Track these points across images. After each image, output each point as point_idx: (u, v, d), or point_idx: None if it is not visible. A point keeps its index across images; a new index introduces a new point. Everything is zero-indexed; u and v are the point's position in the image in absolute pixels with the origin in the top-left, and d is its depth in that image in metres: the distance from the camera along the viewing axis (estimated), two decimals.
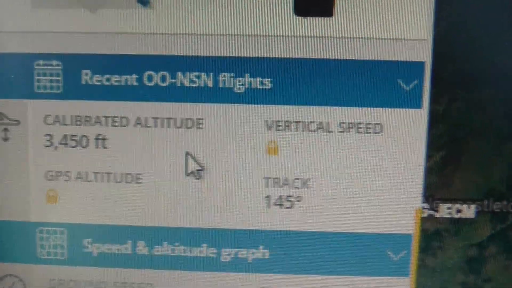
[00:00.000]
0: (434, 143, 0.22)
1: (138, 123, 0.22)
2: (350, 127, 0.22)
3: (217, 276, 0.23)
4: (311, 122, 0.22)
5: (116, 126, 0.22)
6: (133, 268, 0.23)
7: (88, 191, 0.23)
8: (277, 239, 0.23)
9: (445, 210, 0.23)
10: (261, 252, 0.23)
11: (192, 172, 0.23)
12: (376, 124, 0.22)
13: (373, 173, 0.22)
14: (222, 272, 0.23)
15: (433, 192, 0.23)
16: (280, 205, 0.23)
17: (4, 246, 0.23)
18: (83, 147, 0.23)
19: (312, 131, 0.22)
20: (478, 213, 0.23)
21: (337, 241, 0.23)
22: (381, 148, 0.22)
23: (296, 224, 0.23)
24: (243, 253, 0.23)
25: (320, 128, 0.22)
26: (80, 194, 0.23)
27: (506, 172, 0.23)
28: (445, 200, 0.23)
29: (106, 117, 0.22)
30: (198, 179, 0.23)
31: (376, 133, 0.22)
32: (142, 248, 0.23)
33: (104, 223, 0.23)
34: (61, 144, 0.23)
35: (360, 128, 0.22)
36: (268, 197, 0.23)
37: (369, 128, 0.22)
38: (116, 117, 0.22)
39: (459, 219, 0.23)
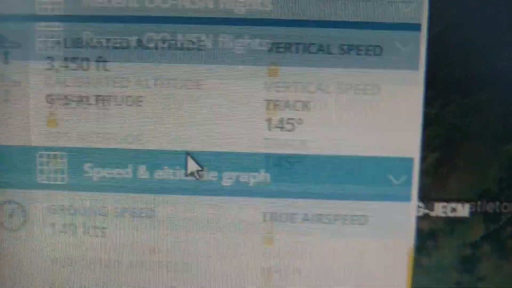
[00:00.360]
0: (428, 145, 0.23)
1: (139, 45, 0.23)
2: (351, 49, 0.22)
3: (218, 201, 0.23)
4: (311, 44, 0.22)
5: (117, 48, 0.23)
6: (134, 193, 0.23)
7: (89, 114, 0.23)
8: (278, 163, 0.23)
9: (440, 209, 0.23)
10: (262, 176, 0.23)
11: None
12: None
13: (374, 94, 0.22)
14: (223, 197, 0.23)
15: (428, 193, 0.23)
16: (281, 127, 0.23)
17: (3, 172, 0.23)
18: (84, 70, 0.23)
19: (312, 53, 0.22)
20: (472, 213, 0.23)
21: (338, 164, 0.23)
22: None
23: (298, 147, 0.23)
24: (244, 177, 0.23)
25: (321, 50, 0.22)
26: (81, 118, 0.23)
27: (500, 173, 0.23)
28: (439, 200, 0.23)
29: (108, 39, 0.23)
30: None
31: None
32: (143, 172, 0.23)
33: (104, 147, 0.23)
34: (62, 67, 0.23)
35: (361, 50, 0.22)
36: (269, 120, 0.23)
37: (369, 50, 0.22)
38: (117, 39, 0.22)
39: (454, 218, 0.23)
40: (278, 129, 0.23)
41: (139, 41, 0.22)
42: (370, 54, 0.22)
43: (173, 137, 0.23)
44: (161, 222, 0.23)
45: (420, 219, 0.23)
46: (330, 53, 0.22)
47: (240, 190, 0.23)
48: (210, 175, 0.23)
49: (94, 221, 0.23)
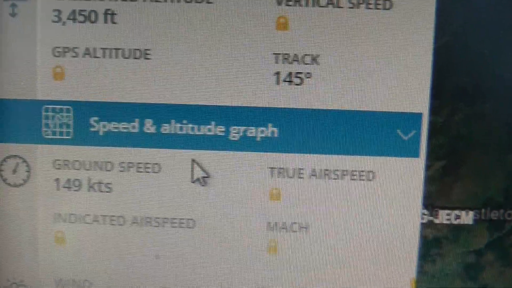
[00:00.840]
0: (434, 154, 0.23)
1: None
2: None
3: (225, 156, 0.23)
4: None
5: (125, 0, 0.22)
6: (140, 147, 0.23)
7: (96, 67, 0.23)
8: (286, 117, 0.23)
9: (444, 217, 0.23)
10: (270, 130, 0.23)
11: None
12: None
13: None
14: (230, 151, 0.23)
15: (433, 201, 0.23)
16: (290, 81, 0.23)
17: (7, 126, 0.23)
18: (92, 22, 0.23)
19: (322, 6, 0.22)
20: (476, 220, 0.23)
21: (346, 119, 0.23)
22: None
23: (306, 102, 0.23)
24: (251, 131, 0.23)
25: (331, 4, 0.22)
26: (87, 71, 0.23)
27: (503, 182, 0.23)
28: (444, 208, 0.23)
29: None
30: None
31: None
32: (149, 126, 0.23)
33: (111, 100, 0.23)
34: (69, 19, 0.23)
35: None
36: (277, 73, 0.23)
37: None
38: None
39: (458, 226, 0.23)
40: (287, 83, 0.23)
41: None
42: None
43: (180, 92, 0.23)
44: (167, 177, 0.23)
45: (425, 226, 0.23)
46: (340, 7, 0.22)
47: (247, 145, 0.23)
48: (217, 129, 0.23)
49: (99, 176, 0.23)
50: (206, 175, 0.23)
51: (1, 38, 0.23)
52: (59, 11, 0.22)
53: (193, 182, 0.23)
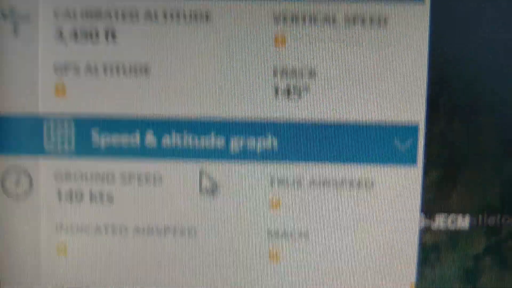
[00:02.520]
0: (431, 162, 0.23)
1: (148, 17, 0.23)
2: (355, 21, 0.23)
3: (227, 166, 0.23)
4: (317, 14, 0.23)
5: (125, 19, 0.23)
6: (141, 159, 0.23)
7: (97, 82, 0.23)
8: (285, 129, 0.23)
9: (441, 222, 0.24)
10: (270, 141, 0.23)
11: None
12: None
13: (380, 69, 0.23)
14: (232, 162, 0.23)
15: (431, 208, 0.23)
16: (288, 94, 0.23)
17: (10, 138, 0.23)
18: (92, 39, 0.23)
19: (318, 23, 0.23)
20: (472, 225, 0.24)
21: (344, 130, 0.23)
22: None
23: (304, 114, 0.23)
24: (251, 142, 0.23)
25: (326, 20, 0.23)
26: (89, 86, 0.23)
27: (500, 188, 0.24)
28: (442, 214, 0.24)
29: (116, 9, 0.23)
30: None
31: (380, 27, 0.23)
32: (150, 138, 0.23)
33: (112, 114, 0.23)
34: (70, 37, 0.23)
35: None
36: (276, 87, 0.23)
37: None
38: (125, 8, 0.23)
39: (456, 231, 0.24)
40: (285, 96, 0.23)
41: (148, 13, 0.23)
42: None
43: (181, 104, 0.23)
44: (168, 188, 0.23)
45: (423, 231, 0.24)
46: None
47: (248, 155, 0.23)
48: (218, 141, 0.23)
49: (101, 188, 0.23)
50: (213, 185, 0.23)
51: (4, 56, 0.23)
52: (60, 29, 0.23)
53: (201, 192, 0.23)
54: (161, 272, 0.24)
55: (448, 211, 0.23)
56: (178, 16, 0.23)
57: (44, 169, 0.23)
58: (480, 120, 0.23)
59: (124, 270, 0.24)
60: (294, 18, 0.23)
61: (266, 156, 0.23)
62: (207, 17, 0.23)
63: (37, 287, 0.24)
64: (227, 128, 0.23)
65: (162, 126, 0.23)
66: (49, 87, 0.23)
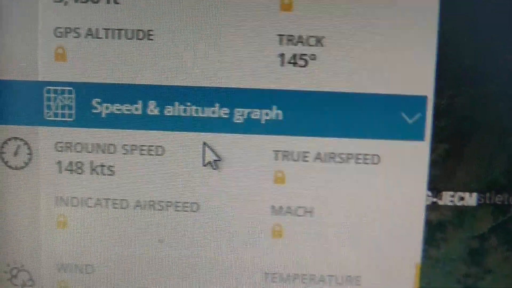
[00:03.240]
0: (439, 137, 0.23)
1: None
2: None
3: (230, 138, 0.23)
4: None
5: None
6: (143, 130, 0.23)
7: (98, 48, 0.22)
8: (290, 99, 0.22)
9: (448, 199, 0.23)
10: (275, 113, 0.23)
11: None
12: None
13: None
14: (235, 134, 0.23)
15: (438, 184, 0.23)
16: (294, 63, 0.22)
17: (8, 107, 0.23)
18: (94, 3, 0.22)
19: None
20: (479, 203, 0.23)
21: (351, 101, 0.22)
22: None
23: (310, 84, 0.22)
24: (256, 113, 0.23)
25: None
26: (90, 52, 0.22)
27: (508, 165, 0.23)
28: (449, 190, 0.23)
29: None
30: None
31: None
32: (152, 108, 0.23)
33: (114, 82, 0.23)
34: None
35: None
36: (282, 55, 0.22)
37: None
38: None
39: (463, 208, 0.23)
40: (291, 65, 0.22)
41: None
42: None
43: (184, 73, 0.22)
44: (170, 161, 0.23)
45: (430, 208, 0.23)
46: None
47: (252, 127, 0.23)
48: (221, 111, 0.23)
49: (102, 159, 0.23)
50: (217, 159, 0.23)
51: (2, 19, 0.22)
52: None
53: (204, 166, 0.23)
54: (163, 247, 0.23)
55: (455, 188, 0.23)
56: None
57: (44, 139, 0.23)
58: (491, 94, 0.23)
59: (124, 244, 0.23)
60: None
61: (271, 128, 0.23)
62: None
63: (36, 261, 0.23)
64: (231, 98, 0.23)
65: (165, 95, 0.22)
66: (49, 52, 0.22)
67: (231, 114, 0.23)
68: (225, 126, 0.23)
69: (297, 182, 0.23)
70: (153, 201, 0.23)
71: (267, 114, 0.23)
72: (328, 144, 0.23)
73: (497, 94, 0.23)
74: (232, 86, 0.22)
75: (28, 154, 0.23)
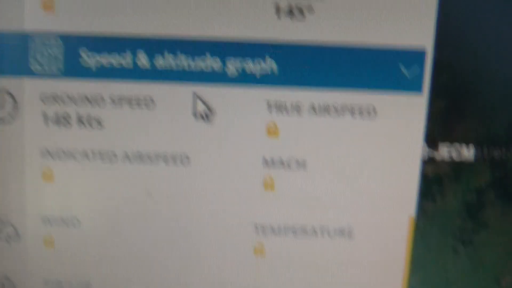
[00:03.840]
0: (438, 90, 0.22)
1: None
2: None
3: (222, 90, 0.22)
4: None
5: None
6: (132, 81, 0.22)
7: None
8: (285, 51, 0.22)
9: (445, 153, 0.22)
10: (268, 65, 0.22)
11: None
12: None
13: None
14: (228, 86, 0.22)
15: (435, 138, 0.22)
16: (290, 14, 0.22)
17: None
18: None
19: None
20: (477, 157, 0.22)
21: (347, 53, 0.22)
22: None
23: (306, 36, 0.22)
24: (249, 65, 0.22)
25: None
26: (78, 1, 0.22)
27: (508, 120, 0.22)
28: (446, 144, 0.22)
29: None
30: None
31: None
32: (142, 58, 0.22)
33: (101, 31, 0.22)
34: None
35: None
36: (277, 5, 0.22)
37: None
38: None
39: (460, 163, 0.22)
40: (286, 16, 0.22)
41: None
42: None
43: (175, 22, 0.22)
44: (160, 113, 0.22)
45: (426, 163, 0.22)
46: None
47: (244, 79, 0.22)
48: (213, 62, 0.22)
49: (90, 111, 0.22)
50: (208, 110, 0.22)
51: None
52: None
53: (195, 117, 0.22)
54: (151, 202, 0.23)
55: (452, 141, 0.22)
56: None
57: (29, 91, 0.22)
58: (492, 47, 0.22)
59: (112, 198, 0.23)
60: None
61: (265, 80, 0.22)
62: None
63: (21, 213, 0.23)
64: (223, 49, 0.22)
65: (155, 45, 0.22)
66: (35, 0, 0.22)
67: (223, 65, 0.22)
68: (217, 77, 0.22)
69: (291, 134, 0.22)
70: (141, 153, 0.22)
71: (260, 66, 0.22)
72: (323, 96, 0.22)
73: (502, 49, 0.22)
74: (225, 37, 0.22)
75: (13, 105, 0.22)
